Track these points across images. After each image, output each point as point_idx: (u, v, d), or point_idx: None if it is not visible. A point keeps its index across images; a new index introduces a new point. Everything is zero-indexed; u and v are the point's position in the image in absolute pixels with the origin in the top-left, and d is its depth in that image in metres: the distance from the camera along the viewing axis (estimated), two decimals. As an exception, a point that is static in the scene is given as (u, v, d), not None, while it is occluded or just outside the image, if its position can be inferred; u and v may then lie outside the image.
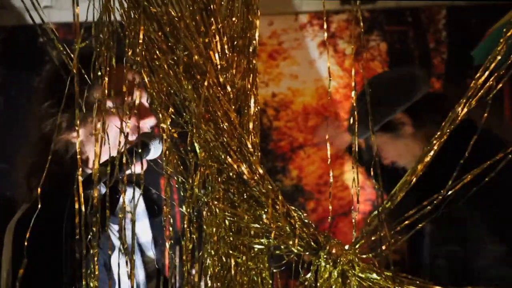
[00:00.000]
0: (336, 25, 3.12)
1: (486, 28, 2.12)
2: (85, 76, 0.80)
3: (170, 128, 0.80)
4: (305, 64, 3.14)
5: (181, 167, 0.84)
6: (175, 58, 0.79)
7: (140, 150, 0.91)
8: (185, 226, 0.81)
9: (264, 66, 3.14)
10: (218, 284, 0.83)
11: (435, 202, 0.83)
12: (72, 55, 0.78)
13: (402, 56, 3.06)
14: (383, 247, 0.79)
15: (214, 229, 0.82)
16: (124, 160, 0.85)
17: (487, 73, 0.94)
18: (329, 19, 3.14)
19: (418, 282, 0.81)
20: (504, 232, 1.33)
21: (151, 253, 1.38)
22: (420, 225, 0.83)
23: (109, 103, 1.06)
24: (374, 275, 0.80)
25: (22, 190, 1.26)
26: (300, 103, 3.16)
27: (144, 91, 0.75)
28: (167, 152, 0.82)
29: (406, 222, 0.82)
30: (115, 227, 1.19)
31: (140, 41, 0.76)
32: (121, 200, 0.80)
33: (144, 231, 1.39)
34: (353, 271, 0.80)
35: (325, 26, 3.14)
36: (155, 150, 1.02)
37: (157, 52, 0.79)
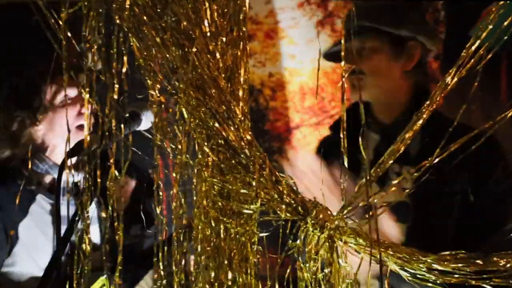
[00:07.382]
0: (333, 4, 3.09)
1: (485, 8, 2.10)
2: (74, 43, 0.79)
3: (159, 95, 0.80)
4: (302, 43, 3.12)
5: (171, 134, 0.84)
6: (163, 24, 0.79)
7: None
8: (175, 191, 0.82)
9: (261, 46, 3.11)
10: (208, 249, 0.84)
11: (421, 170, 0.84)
12: (60, 22, 0.78)
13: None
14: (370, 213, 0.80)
15: (203, 195, 0.83)
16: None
17: (478, 42, 0.94)
18: (327, -3, 3.10)
19: (404, 248, 0.82)
20: None
21: None
22: (406, 192, 0.84)
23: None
24: (361, 241, 0.81)
25: None
26: (297, 83, 3.14)
27: None
28: (156, 119, 0.82)
29: (393, 188, 0.83)
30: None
31: (127, 6, 0.76)
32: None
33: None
34: (340, 236, 0.81)
35: None
36: (147, 120, 1.03)
37: (145, 18, 0.79)
